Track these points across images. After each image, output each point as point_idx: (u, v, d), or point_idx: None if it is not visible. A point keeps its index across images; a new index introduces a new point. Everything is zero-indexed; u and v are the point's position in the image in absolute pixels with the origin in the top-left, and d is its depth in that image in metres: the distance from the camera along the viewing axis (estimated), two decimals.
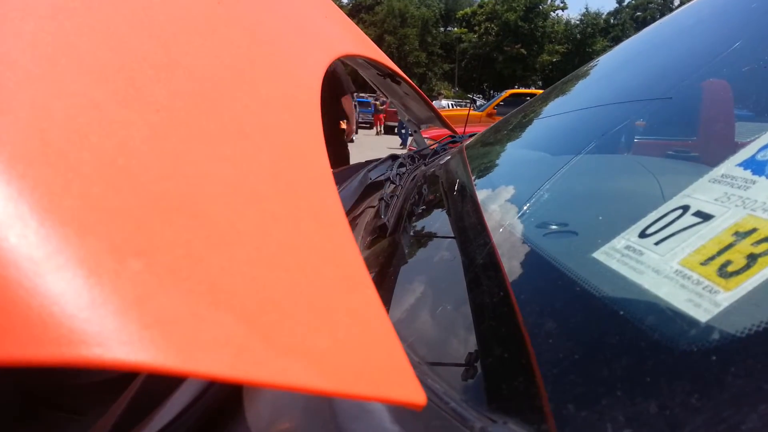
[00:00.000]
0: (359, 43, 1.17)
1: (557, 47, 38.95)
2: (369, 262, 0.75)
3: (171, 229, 0.25)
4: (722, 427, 0.26)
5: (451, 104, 18.86)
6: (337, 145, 3.62)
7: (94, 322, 0.19)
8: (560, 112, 1.10)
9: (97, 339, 0.19)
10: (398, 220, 0.85)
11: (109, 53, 0.32)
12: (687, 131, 0.83)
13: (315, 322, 0.27)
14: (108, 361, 0.19)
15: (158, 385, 0.56)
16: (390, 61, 1.74)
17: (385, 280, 0.66)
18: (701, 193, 0.42)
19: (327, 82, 2.13)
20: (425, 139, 2.24)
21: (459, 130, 2.20)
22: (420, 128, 2.30)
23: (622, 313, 0.38)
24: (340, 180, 1.25)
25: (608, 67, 1.25)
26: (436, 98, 18.63)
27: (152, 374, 0.57)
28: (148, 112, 0.30)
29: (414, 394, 0.28)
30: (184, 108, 0.33)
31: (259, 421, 0.45)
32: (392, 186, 1.00)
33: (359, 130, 17.46)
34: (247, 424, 0.46)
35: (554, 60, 37.99)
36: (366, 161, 1.54)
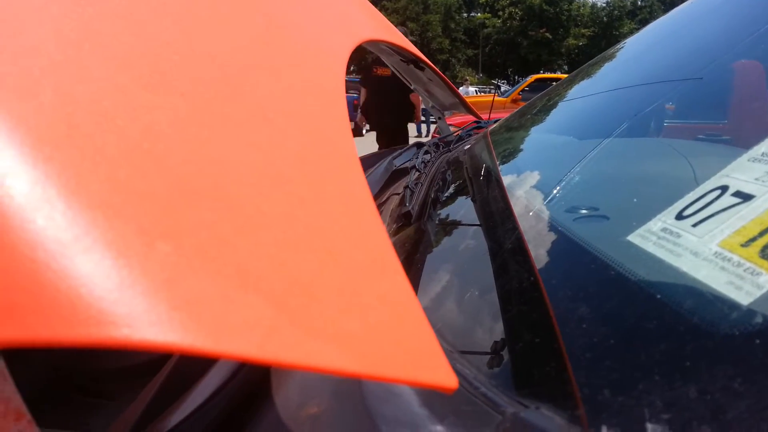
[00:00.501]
0: (382, 29, 1.16)
1: (583, 31, 38.21)
2: (395, 249, 0.75)
3: (198, 212, 0.25)
4: (766, 412, 0.25)
5: (476, 90, 18.67)
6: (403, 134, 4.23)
7: (123, 303, 0.19)
8: (586, 95, 1.08)
9: (126, 320, 0.19)
10: (423, 208, 0.84)
11: (132, 39, 0.32)
12: (718, 114, 0.80)
13: (344, 306, 0.26)
14: (137, 342, 0.19)
15: (188, 370, 0.57)
16: (413, 46, 1.72)
17: (411, 267, 0.66)
18: (740, 173, 0.40)
19: (395, 80, 2.19)
20: (449, 126, 2.21)
21: (484, 116, 2.17)
22: (444, 115, 2.28)
23: (659, 296, 0.36)
24: (365, 167, 1.24)
25: (635, 49, 1.22)
26: (461, 84, 18.42)
27: (182, 358, 0.58)
28: (172, 96, 0.30)
29: (445, 377, 0.27)
30: (207, 93, 0.33)
31: (288, 405, 0.45)
32: (417, 174, 0.99)
33: None
34: (276, 408, 0.46)
35: (580, 44, 37.29)
36: (391, 148, 1.54)
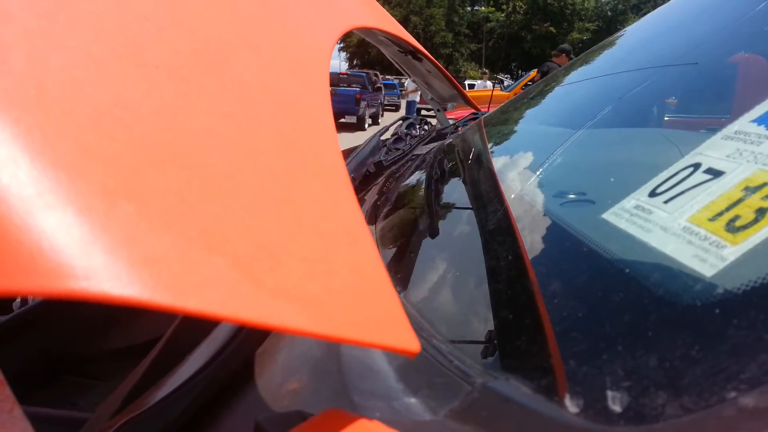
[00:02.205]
0: (377, 17, 1.16)
1: (587, 25, 38.02)
2: (384, 231, 0.75)
3: (165, 177, 0.25)
4: (721, 377, 0.26)
5: (494, 84, 18.57)
6: None
7: (82, 257, 0.20)
8: (581, 80, 1.08)
9: (85, 273, 0.19)
10: (403, 182, 0.85)
11: (110, 12, 0.32)
12: (713, 99, 0.81)
13: (309, 270, 0.27)
14: (95, 294, 0.19)
15: (176, 350, 0.58)
16: (411, 37, 1.72)
17: (392, 243, 0.67)
18: (713, 150, 0.41)
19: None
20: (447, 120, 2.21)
21: (484, 110, 2.17)
22: (442, 107, 2.28)
23: (627, 270, 0.37)
24: (355, 149, 1.25)
25: (634, 37, 1.22)
26: (480, 78, 18.11)
27: (171, 339, 0.59)
28: (147, 68, 0.31)
29: (408, 341, 0.28)
30: (185, 66, 0.33)
31: (271, 383, 0.46)
32: (396, 137, 1.01)
33: (385, 113, 17.39)
34: (258, 385, 0.47)
35: (584, 38, 37.10)
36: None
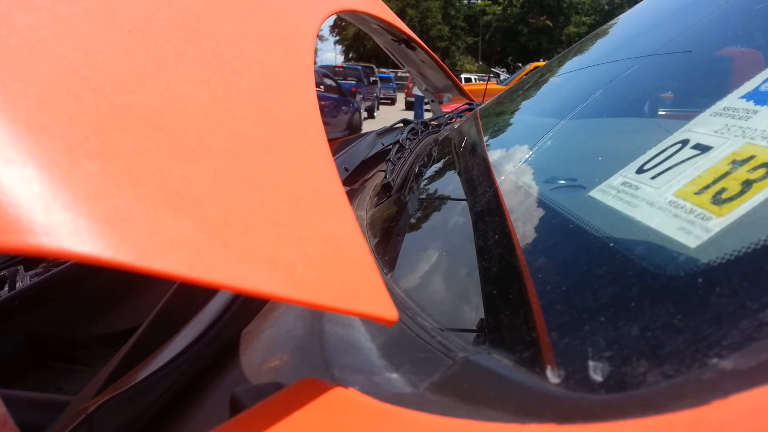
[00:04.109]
0: (369, 2, 1.15)
1: (584, 19, 37.99)
2: (375, 215, 0.75)
3: (133, 138, 0.25)
4: (703, 344, 0.26)
5: (475, 78, 18.54)
6: None
7: (42, 212, 0.19)
8: (575, 69, 1.07)
9: (44, 228, 0.19)
10: (406, 179, 0.85)
11: None
12: (706, 86, 0.80)
13: (283, 237, 0.27)
14: (54, 250, 0.19)
15: (158, 334, 0.57)
16: (405, 25, 1.70)
17: (382, 227, 0.66)
18: (701, 127, 0.40)
19: None
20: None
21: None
22: (436, 98, 2.27)
23: (611, 245, 0.37)
24: (350, 143, 1.24)
25: (626, 27, 1.21)
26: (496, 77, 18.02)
27: (152, 323, 0.58)
28: (119, 32, 0.30)
29: (385, 309, 0.27)
30: (159, 32, 0.33)
31: (252, 361, 0.46)
32: (399, 147, 0.99)
33: (381, 106, 17.34)
34: (240, 365, 0.46)
35: (581, 32, 37.05)
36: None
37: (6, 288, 0.93)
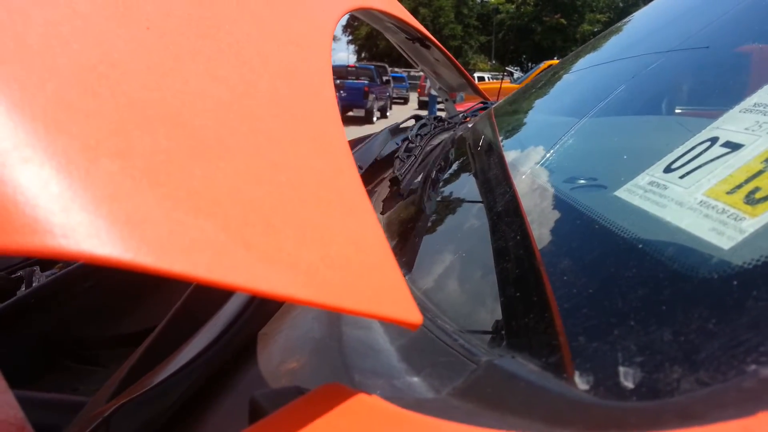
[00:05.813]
0: (384, 1, 1.14)
1: (598, 16, 37.64)
2: (392, 215, 0.74)
3: (152, 137, 0.24)
4: (740, 349, 0.24)
5: (489, 77, 18.46)
6: None
7: (60, 213, 0.19)
8: (590, 66, 1.06)
9: (62, 230, 0.18)
10: (423, 180, 0.84)
11: None
12: (724, 82, 0.78)
13: (305, 238, 0.26)
14: (73, 252, 0.18)
15: (175, 335, 0.57)
16: (419, 24, 1.69)
17: (401, 229, 0.65)
18: (731, 124, 0.39)
19: None
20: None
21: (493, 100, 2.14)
22: (451, 98, 2.25)
23: (640, 246, 0.35)
24: (362, 140, 1.24)
25: (642, 22, 1.19)
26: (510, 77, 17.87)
27: (169, 323, 0.58)
28: (137, 29, 0.29)
29: (409, 313, 0.27)
30: (177, 29, 0.32)
31: (270, 363, 0.45)
32: (408, 143, 0.99)
33: (394, 106, 17.32)
34: (257, 366, 0.46)
35: (595, 30, 36.73)
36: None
37: (23, 288, 0.93)
